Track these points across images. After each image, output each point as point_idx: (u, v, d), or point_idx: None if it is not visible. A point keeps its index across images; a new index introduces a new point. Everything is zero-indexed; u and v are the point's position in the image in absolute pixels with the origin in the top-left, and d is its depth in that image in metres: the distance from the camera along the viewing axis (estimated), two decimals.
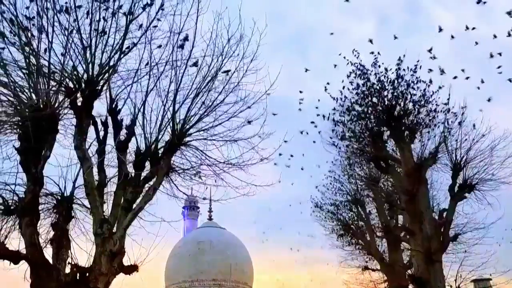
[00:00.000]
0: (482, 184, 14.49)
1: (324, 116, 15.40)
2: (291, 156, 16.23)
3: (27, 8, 9.02)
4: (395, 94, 14.69)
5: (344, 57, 15.04)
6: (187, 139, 10.39)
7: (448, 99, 14.37)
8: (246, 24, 10.21)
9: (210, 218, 38.08)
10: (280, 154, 11.14)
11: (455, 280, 15.19)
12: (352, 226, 19.64)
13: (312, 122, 15.44)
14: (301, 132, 15.44)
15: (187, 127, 10.18)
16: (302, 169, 18.42)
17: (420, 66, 14.58)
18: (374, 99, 14.74)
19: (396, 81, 14.60)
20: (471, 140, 14.37)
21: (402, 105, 14.75)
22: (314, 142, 16.12)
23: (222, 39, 10.15)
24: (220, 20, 10.02)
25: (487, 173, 14.39)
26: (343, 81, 15.01)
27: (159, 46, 9.95)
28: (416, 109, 14.76)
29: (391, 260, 17.98)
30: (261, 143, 10.72)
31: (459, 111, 14.54)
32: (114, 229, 9.33)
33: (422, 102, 14.66)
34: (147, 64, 9.98)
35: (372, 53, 14.78)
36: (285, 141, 11.55)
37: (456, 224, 15.56)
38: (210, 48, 10.14)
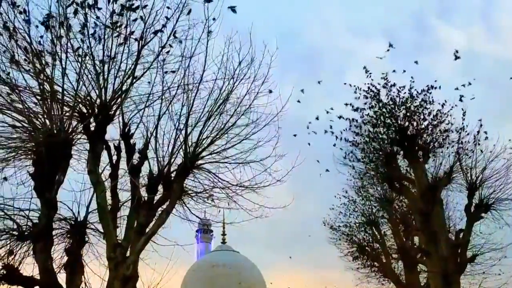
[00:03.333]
0: (499, 203, 14.34)
1: (337, 137, 15.32)
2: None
3: (41, 37, 9.18)
4: (408, 114, 14.65)
5: (350, 85, 15.04)
6: (200, 162, 10.39)
7: (463, 118, 14.30)
8: (256, 47, 10.27)
9: (223, 242, 37.85)
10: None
11: None
12: (367, 248, 19.42)
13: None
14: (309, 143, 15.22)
15: (200, 150, 10.18)
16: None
17: (433, 86, 14.57)
18: (388, 120, 14.69)
19: (408, 101, 14.57)
20: (486, 159, 14.26)
21: (415, 125, 14.69)
22: (327, 170, 15.97)
23: (233, 62, 10.21)
24: (231, 44, 10.09)
25: (503, 192, 14.24)
26: (357, 98, 14.98)
27: (173, 71, 10.02)
28: (430, 129, 14.70)
29: (408, 282, 17.72)
30: (273, 164, 10.70)
31: (473, 130, 14.48)
32: (128, 253, 9.31)
33: (436, 122, 14.60)
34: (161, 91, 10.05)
35: (384, 74, 14.78)
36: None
37: (473, 245, 15.33)
38: (222, 71, 10.21)
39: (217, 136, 10.33)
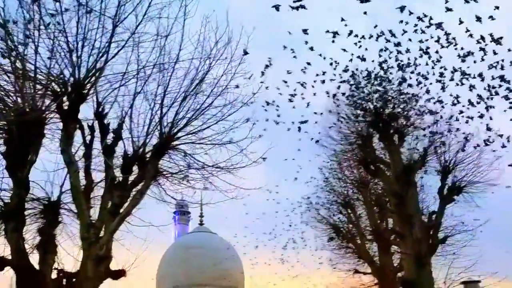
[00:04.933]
0: (471, 186, 14.56)
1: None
2: (285, 159, 16.09)
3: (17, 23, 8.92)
4: (384, 97, 14.69)
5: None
6: (175, 142, 10.35)
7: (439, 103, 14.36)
8: (234, 28, 10.21)
9: (201, 223, 37.95)
10: (264, 159, 11.03)
11: (444, 283, 15.21)
12: (342, 229, 19.60)
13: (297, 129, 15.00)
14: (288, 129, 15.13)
15: (175, 130, 10.14)
16: (296, 175, 18.06)
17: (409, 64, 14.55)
18: (365, 104, 14.71)
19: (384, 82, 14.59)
20: (460, 142, 14.41)
21: (391, 108, 14.76)
22: (298, 150, 15.93)
23: (210, 42, 10.14)
24: (208, 24, 10.01)
25: (475, 175, 14.46)
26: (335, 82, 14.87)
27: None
28: (405, 112, 14.77)
29: (382, 264, 17.96)
30: (250, 146, 10.73)
31: (448, 114, 14.58)
32: (101, 234, 9.27)
33: (412, 104, 14.65)
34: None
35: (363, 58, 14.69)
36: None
37: (445, 227, 15.56)
38: (198, 51, 10.14)
39: (193, 117, 10.30)
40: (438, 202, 14.61)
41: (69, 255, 9.96)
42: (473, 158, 14.33)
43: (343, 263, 20.10)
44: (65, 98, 9.37)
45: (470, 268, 15.27)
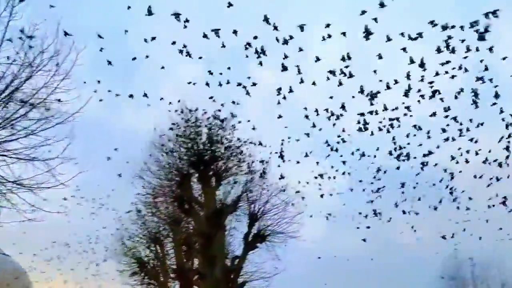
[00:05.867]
0: (274, 236, 15.43)
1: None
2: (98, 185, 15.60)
3: None
4: (209, 141, 15.18)
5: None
6: None
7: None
8: (64, 41, 9.73)
9: None
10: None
11: None
12: (147, 264, 19.24)
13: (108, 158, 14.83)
14: (108, 158, 14.80)
15: None
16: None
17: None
18: (189, 143, 15.02)
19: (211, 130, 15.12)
20: (269, 193, 15.33)
21: (213, 151, 15.22)
22: (119, 175, 15.66)
23: (35, 50, 9.47)
24: (36, 31, 9.39)
25: (279, 226, 15.39)
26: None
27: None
28: (226, 157, 15.36)
29: None
30: (60, 166, 10.08)
31: (261, 166, 15.54)
32: None
33: (232, 151, 15.32)
34: None
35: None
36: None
37: (245, 272, 16.18)
38: (20, 56, 9.38)
39: (0, 126, 9.38)
40: (243, 247, 15.19)
41: None
42: (279, 210, 15.30)
43: None
44: None
45: None
